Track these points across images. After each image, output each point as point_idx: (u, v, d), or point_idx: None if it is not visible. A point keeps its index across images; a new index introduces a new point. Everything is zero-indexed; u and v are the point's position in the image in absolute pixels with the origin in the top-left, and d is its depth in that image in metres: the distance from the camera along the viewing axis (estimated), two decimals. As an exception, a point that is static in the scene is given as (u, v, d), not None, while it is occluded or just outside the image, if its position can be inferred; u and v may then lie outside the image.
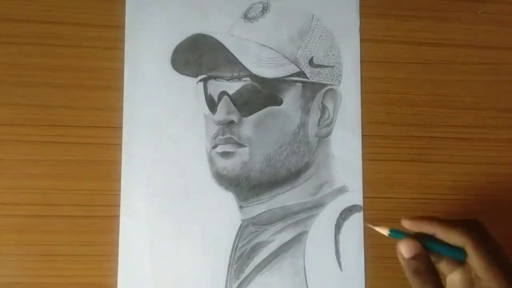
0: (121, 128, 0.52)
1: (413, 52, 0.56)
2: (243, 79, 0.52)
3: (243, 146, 0.52)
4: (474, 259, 0.40)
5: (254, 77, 0.52)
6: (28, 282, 0.49)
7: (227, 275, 0.51)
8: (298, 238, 0.52)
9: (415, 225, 0.42)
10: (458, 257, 0.40)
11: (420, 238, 0.41)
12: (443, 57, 0.56)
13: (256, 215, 0.52)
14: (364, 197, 0.53)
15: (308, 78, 0.53)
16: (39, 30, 0.52)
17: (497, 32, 0.57)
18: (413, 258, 0.41)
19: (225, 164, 0.52)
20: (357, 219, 0.52)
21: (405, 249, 0.41)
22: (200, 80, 0.53)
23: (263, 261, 0.51)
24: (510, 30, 0.57)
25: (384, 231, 0.44)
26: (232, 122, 0.52)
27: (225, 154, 0.52)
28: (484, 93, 0.56)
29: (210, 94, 0.53)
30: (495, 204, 0.54)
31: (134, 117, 0.52)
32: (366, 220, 0.52)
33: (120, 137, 0.52)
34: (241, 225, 0.52)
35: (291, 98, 0.53)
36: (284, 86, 0.53)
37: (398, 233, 0.43)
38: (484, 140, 0.55)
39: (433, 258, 0.42)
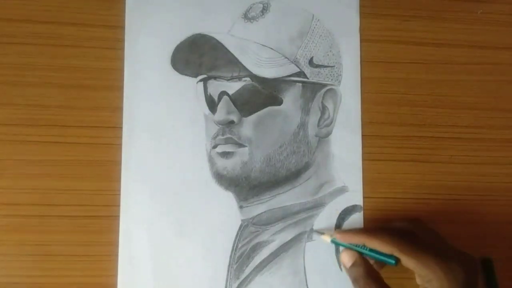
0: (121, 128, 0.52)
1: (413, 52, 0.56)
2: (243, 79, 0.52)
3: (243, 146, 0.52)
4: (406, 261, 0.44)
5: (254, 77, 0.52)
6: (28, 282, 0.49)
7: (227, 275, 0.51)
8: (298, 238, 0.52)
9: (346, 237, 0.48)
10: (390, 262, 0.45)
11: (360, 248, 0.47)
12: (443, 57, 0.56)
13: (256, 215, 0.52)
14: (364, 197, 0.53)
15: (308, 78, 0.53)
16: (39, 30, 0.52)
17: (497, 32, 0.57)
18: (352, 265, 0.47)
19: (225, 164, 0.52)
20: (357, 219, 0.52)
21: (345, 259, 0.48)
22: (200, 80, 0.53)
23: (263, 261, 0.51)
24: (510, 30, 0.57)
25: (327, 239, 0.50)
26: (232, 122, 0.52)
27: (225, 154, 0.52)
28: (484, 93, 0.56)
29: (210, 94, 0.53)
30: (495, 204, 0.54)
31: (134, 117, 0.52)
32: (365, 217, 0.53)
33: (120, 137, 0.52)
34: (241, 225, 0.52)
35: (291, 98, 0.53)
36: (284, 86, 0.53)
37: (338, 242, 0.49)
38: (484, 140, 0.55)
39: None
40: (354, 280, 0.47)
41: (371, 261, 0.48)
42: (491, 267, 0.52)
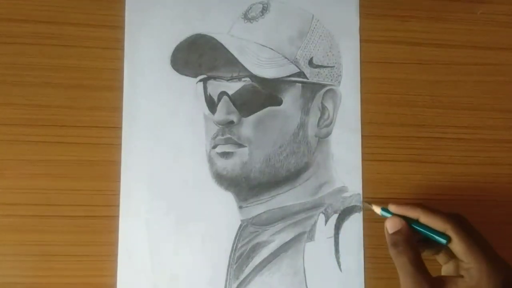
0: (120, 128, 0.52)
1: (413, 52, 0.56)
2: (243, 79, 0.52)
3: (243, 146, 0.52)
4: (456, 242, 0.44)
5: (254, 77, 0.52)
6: (27, 282, 0.49)
7: (227, 275, 0.51)
8: (298, 238, 0.52)
9: (400, 209, 0.47)
10: (441, 241, 0.44)
11: (408, 219, 0.46)
12: (443, 57, 0.56)
13: (256, 215, 0.52)
14: (363, 198, 0.53)
15: (307, 79, 0.53)
16: (39, 30, 0.52)
17: (496, 32, 0.57)
18: (395, 233, 0.46)
19: (224, 164, 0.52)
20: (356, 219, 0.52)
21: (390, 225, 0.46)
22: (200, 80, 0.53)
23: (262, 261, 0.51)
24: (510, 31, 0.57)
25: (377, 210, 0.49)
26: (231, 122, 0.52)
27: (225, 154, 0.52)
28: (484, 93, 0.56)
29: (209, 94, 0.53)
30: (495, 205, 0.54)
31: (133, 117, 0.52)
32: (364, 217, 0.53)
33: (120, 137, 0.52)
34: (240, 225, 0.52)
35: (290, 99, 0.53)
36: (284, 87, 0.53)
37: (389, 212, 0.48)
38: (483, 140, 0.55)
39: (431, 251, 0.48)
40: (393, 244, 0.45)
41: None
42: None
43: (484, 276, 0.42)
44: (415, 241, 0.46)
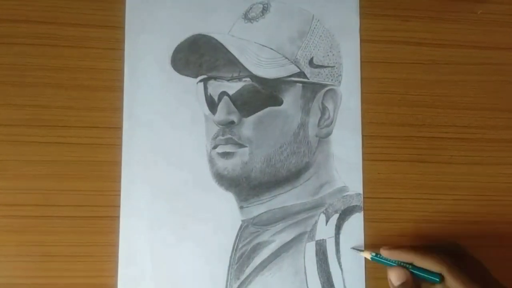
0: (121, 128, 0.52)
1: (413, 52, 0.56)
2: (243, 79, 0.52)
3: (243, 146, 0.52)
4: (450, 282, 0.45)
5: (254, 77, 0.52)
6: (28, 283, 0.49)
7: (228, 275, 0.51)
8: (299, 239, 0.52)
9: (393, 254, 0.48)
10: (435, 280, 0.46)
11: (402, 263, 0.48)
12: (443, 57, 0.56)
13: (257, 216, 0.52)
14: (364, 198, 0.53)
15: (308, 79, 0.53)
16: (39, 30, 0.52)
17: (496, 32, 0.57)
18: (402, 285, 0.47)
19: (225, 165, 0.52)
20: (357, 219, 0.52)
21: (395, 276, 0.47)
22: (200, 81, 0.53)
23: (263, 261, 0.51)
24: (510, 31, 0.57)
25: (367, 255, 0.50)
26: (232, 122, 0.52)
27: (225, 155, 0.52)
28: (484, 93, 0.56)
29: (210, 94, 0.53)
30: (495, 204, 0.54)
31: (134, 117, 0.52)
32: (365, 217, 0.53)
33: (120, 137, 0.51)
34: (241, 226, 0.52)
35: (291, 99, 0.53)
36: (284, 87, 0.53)
37: (380, 257, 0.50)
38: (484, 140, 0.55)
39: (427, 285, 0.48)
40: None
41: None
42: None
43: None
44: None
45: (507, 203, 0.55)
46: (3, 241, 0.50)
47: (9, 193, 0.50)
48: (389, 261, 0.49)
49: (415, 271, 0.47)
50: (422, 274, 0.47)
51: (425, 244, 0.52)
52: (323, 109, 0.54)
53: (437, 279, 0.46)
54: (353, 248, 0.51)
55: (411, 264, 0.48)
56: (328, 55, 0.54)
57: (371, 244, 0.52)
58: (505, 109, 0.56)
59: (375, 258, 0.50)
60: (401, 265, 0.48)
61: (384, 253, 0.49)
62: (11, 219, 0.50)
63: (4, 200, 0.50)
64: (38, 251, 0.50)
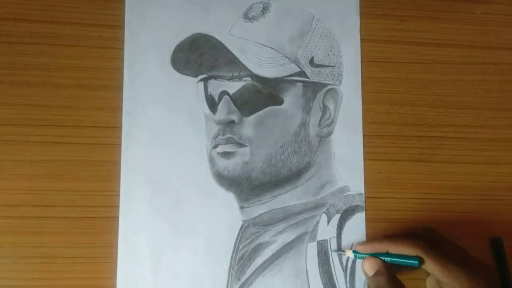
0: (120, 128, 0.51)
1: (413, 52, 0.56)
2: (244, 78, 0.52)
3: (244, 146, 0.52)
4: (430, 265, 0.44)
5: (255, 76, 0.52)
6: (25, 285, 0.48)
7: (228, 276, 0.50)
8: (300, 239, 0.51)
9: (368, 248, 0.48)
10: (414, 264, 0.45)
11: (380, 255, 0.47)
12: (443, 57, 0.56)
13: (257, 216, 0.52)
14: (365, 197, 0.53)
15: (308, 78, 0.53)
16: (38, 29, 0.52)
17: (496, 32, 0.57)
18: (375, 274, 0.46)
19: (225, 164, 0.51)
20: (359, 219, 0.52)
21: (367, 267, 0.47)
22: (201, 80, 0.53)
23: (264, 262, 0.51)
24: (509, 31, 0.57)
25: (350, 254, 0.50)
26: (232, 122, 0.52)
27: (226, 154, 0.52)
28: (484, 92, 0.56)
29: (210, 93, 0.52)
30: (496, 204, 0.54)
31: (133, 117, 0.51)
32: (367, 217, 0.52)
33: (120, 137, 0.51)
34: (242, 226, 0.51)
35: (292, 98, 0.53)
36: (285, 86, 0.53)
37: (360, 254, 0.49)
38: (484, 139, 0.55)
39: (408, 270, 0.47)
40: (377, 287, 0.47)
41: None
42: (501, 247, 0.52)
43: None
44: (394, 268, 0.47)
45: (508, 203, 0.54)
46: (0, 242, 0.49)
47: (6, 193, 0.49)
48: (369, 255, 0.48)
49: (392, 259, 0.46)
50: (400, 260, 0.46)
51: (399, 232, 0.51)
52: (324, 109, 0.53)
53: (416, 262, 0.45)
54: (335, 251, 0.51)
55: (387, 253, 0.47)
56: (328, 54, 0.54)
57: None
58: (505, 109, 0.56)
59: (356, 255, 0.49)
60: (378, 256, 0.47)
61: (359, 248, 0.48)
62: (8, 220, 0.49)
63: (1, 200, 0.49)
64: (35, 253, 0.49)
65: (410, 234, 0.49)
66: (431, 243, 0.46)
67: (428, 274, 0.47)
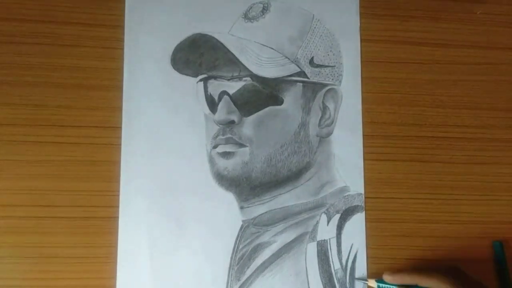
0: (120, 128, 0.51)
1: (413, 52, 0.56)
2: (244, 78, 0.52)
3: (244, 146, 0.52)
4: None
5: (255, 76, 0.52)
6: (25, 285, 0.49)
7: (228, 276, 0.50)
8: (300, 239, 0.51)
9: (396, 278, 0.48)
10: None
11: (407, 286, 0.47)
12: (443, 57, 0.56)
13: (257, 216, 0.51)
14: (365, 197, 0.53)
15: (308, 78, 0.53)
16: (38, 29, 0.52)
17: (496, 32, 0.57)
18: None
19: (225, 164, 0.51)
20: (359, 219, 0.52)
21: None
22: (200, 80, 0.53)
23: (264, 262, 0.51)
24: (509, 31, 0.57)
25: (373, 284, 0.49)
26: (232, 122, 0.52)
27: (226, 154, 0.52)
28: (484, 92, 0.56)
29: (210, 94, 0.52)
30: (496, 204, 0.54)
31: (133, 117, 0.51)
32: (367, 217, 0.52)
33: (120, 137, 0.51)
34: (242, 226, 0.51)
35: (291, 98, 0.53)
36: (285, 86, 0.53)
37: (385, 283, 0.48)
38: (484, 139, 0.55)
39: None
40: None
41: None
42: (501, 250, 0.52)
43: None
44: None
45: (508, 203, 0.54)
46: (0, 243, 0.49)
47: (5, 193, 0.49)
48: (394, 286, 0.48)
49: None
50: None
51: (427, 267, 0.51)
52: (324, 109, 0.53)
53: None
54: (358, 279, 0.51)
55: (416, 286, 0.47)
56: (328, 54, 0.54)
57: (374, 244, 0.52)
58: (505, 109, 0.56)
59: (381, 285, 0.49)
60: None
61: (387, 278, 0.48)
62: (8, 220, 0.49)
63: (1, 200, 0.49)
64: (35, 253, 0.49)
65: (437, 269, 0.49)
66: (463, 278, 0.46)
67: None
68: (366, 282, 0.50)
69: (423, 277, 0.46)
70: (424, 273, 0.47)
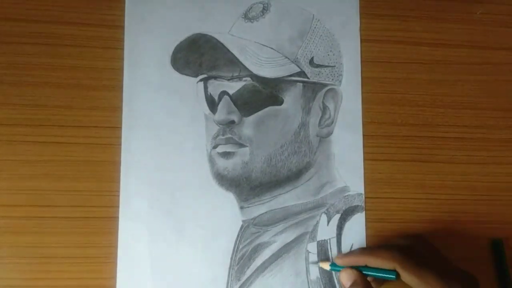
0: (120, 128, 0.51)
1: (413, 52, 0.56)
2: (244, 79, 0.52)
3: (244, 146, 0.52)
4: (405, 277, 0.43)
5: (255, 77, 0.52)
6: (24, 285, 0.48)
7: (228, 277, 0.50)
8: (300, 239, 0.51)
9: (346, 260, 0.47)
10: (391, 278, 0.44)
11: (358, 267, 0.46)
12: (443, 57, 0.56)
13: (257, 216, 0.51)
14: (365, 197, 0.53)
15: (308, 78, 0.53)
16: (38, 29, 0.52)
17: (496, 32, 0.57)
18: (352, 285, 0.45)
19: (225, 164, 0.51)
20: (359, 219, 0.52)
21: (343, 279, 0.46)
22: (200, 80, 0.53)
23: (264, 262, 0.51)
24: (509, 31, 0.57)
25: (326, 266, 0.49)
26: (232, 122, 0.52)
27: (226, 154, 0.52)
28: (484, 92, 0.56)
29: (210, 94, 0.52)
30: (496, 204, 0.54)
31: (133, 117, 0.51)
32: (367, 217, 0.52)
33: (119, 137, 0.51)
34: (242, 226, 0.51)
35: (291, 98, 0.53)
36: (285, 86, 0.53)
37: (337, 267, 0.48)
38: (484, 139, 0.55)
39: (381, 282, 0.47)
40: None
41: (369, 279, 0.47)
42: (501, 248, 0.52)
43: None
44: (372, 279, 0.46)
45: (508, 203, 0.54)
46: (-1, 242, 0.49)
47: (5, 193, 0.49)
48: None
49: (370, 273, 0.46)
50: (378, 274, 0.45)
51: (379, 244, 0.51)
52: (324, 109, 0.53)
53: (393, 276, 0.44)
54: (313, 263, 0.50)
55: (365, 267, 0.46)
56: (328, 54, 0.54)
57: (374, 244, 0.52)
58: (505, 109, 0.56)
59: (334, 268, 0.48)
60: (359, 269, 0.46)
61: (338, 261, 0.48)
62: (8, 220, 0.49)
63: (1, 200, 0.49)
64: (35, 253, 0.49)
65: (387, 244, 0.48)
66: (410, 252, 0.45)
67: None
68: (317, 264, 0.50)
69: (371, 256, 0.45)
70: (372, 252, 0.46)
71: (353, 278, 0.46)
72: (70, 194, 0.50)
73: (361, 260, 0.46)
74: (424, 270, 0.43)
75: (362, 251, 0.47)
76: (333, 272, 0.51)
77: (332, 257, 0.51)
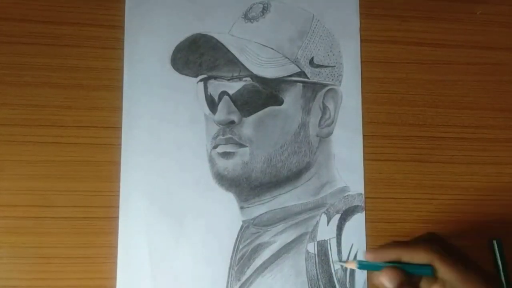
0: (120, 128, 0.51)
1: (413, 52, 0.56)
2: (244, 79, 0.52)
3: (244, 146, 0.52)
4: (445, 272, 0.39)
5: (255, 77, 0.52)
6: (24, 286, 0.48)
7: (228, 277, 0.50)
8: (300, 239, 0.51)
9: (379, 256, 0.42)
10: (428, 274, 0.40)
11: (391, 263, 0.41)
12: (443, 57, 0.56)
13: (257, 216, 0.51)
14: (365, 198, 0.53)
15: (308, 78, 0.53)
16: (37, 29, 0.52)
17: (496, 32, 0.57)
18: (397, 287, 0.40)
19: (225, 165, 0.51)
20: (359, 219, 0.52)
21: (388, 279, 0.40)
22: (200, 80, 0.53)
23: (264, 262, 0.51)
24: (509, 31, 0.57)
25: (352, 265, 0.43)
26: (232, 122, 0.52)
27: (226, 155, 0.52)
28: (484, 92, 0.56)
29: (210, 94, 0.52)
30: (496, 204, 0.54)
31: (133, 117, 0.51)
32: (367, 217, 0.52)
33: (120, 137, 0.51)
34: (242, 226, 0.51)
35: (291, 98, 0.53)
36: (285, 86, 0.53)
37: (367, 263, 0.42)
38: (484, 139, 0.55)
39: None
40: None
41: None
42: (500, 248, 0.52)
43: None
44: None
45: (508, 203, 0.54)
46: (-1, 243, 0.49)
47: (5, 193, 0.49)
48: (377, 265, 0.41)
49: (407, 268, 0.40)
50: (415, 270, 0.41)
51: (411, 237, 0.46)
52: (324, 109, 0.53)
53: (429, 272, 0.40)
54: (337, 262, 0.49)
55: (399, 262, 0.41)
56: (328, 55, 0.54)
57: (374, 244, 0.52)
58: (505, 109, 0.56)
59: (363, 265, 0.42)
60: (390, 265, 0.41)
61: (369, 257, 0.42)
62: (7, 220, 0.49)
63: (1, 200, 0.49)
64: (35, 253, 0.49)
65: (419, 239, 0.43)
66: (449, 247, 0.41)
67: (428, 286, 0.42)
68: (343, 264, 0.47)
69: (408, 250, 0.41)
70: (408, 246, 0.41)
71: (399, 279, 0.40)
72: (70, 194, 0.50)
73: (395, 254, 0.41)
74: (464, 266, 0.40)
75: (396, 244, 0.42)
76: (333, 273, 0.51)
77: (332, 257, 0.51)
